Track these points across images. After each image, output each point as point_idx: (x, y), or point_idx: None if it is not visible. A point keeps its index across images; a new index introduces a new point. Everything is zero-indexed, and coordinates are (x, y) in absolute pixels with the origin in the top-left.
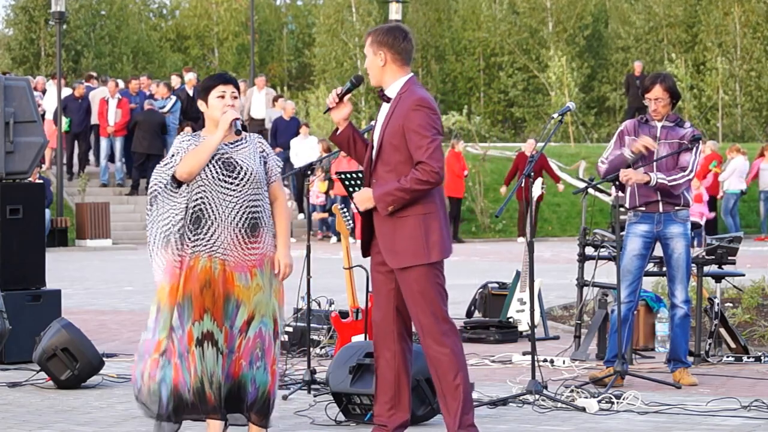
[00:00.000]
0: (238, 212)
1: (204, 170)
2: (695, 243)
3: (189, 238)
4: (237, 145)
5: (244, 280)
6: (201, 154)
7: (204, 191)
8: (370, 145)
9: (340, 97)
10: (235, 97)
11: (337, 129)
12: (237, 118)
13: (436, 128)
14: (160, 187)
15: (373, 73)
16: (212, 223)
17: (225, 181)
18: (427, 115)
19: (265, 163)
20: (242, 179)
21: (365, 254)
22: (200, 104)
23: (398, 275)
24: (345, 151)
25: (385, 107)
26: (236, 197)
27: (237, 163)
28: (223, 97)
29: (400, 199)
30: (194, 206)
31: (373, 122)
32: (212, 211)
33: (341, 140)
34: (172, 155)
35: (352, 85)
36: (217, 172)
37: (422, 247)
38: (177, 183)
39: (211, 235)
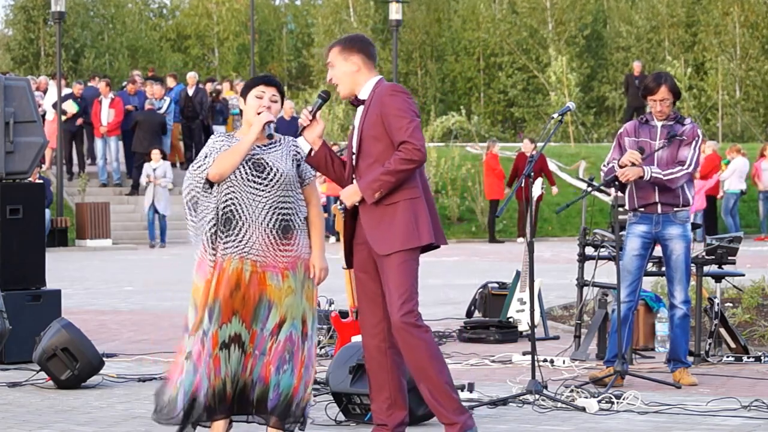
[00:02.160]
0: (267, 213)
1: (234, 170)
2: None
3: (221, 239)
4: (270, 148)
5: (275, 280)
6: (234, 155)
7: (233, 192)
8: (349, 152)
9: (313, 115)
10: (275, 101)
11: (311, 151)
12: (270, 121)
13: (414, 111)
14: (198, 191)
15: (346, 82)
16: (243, 224)
17: (254, 182)
18: (404, 100)
19: (298, 165)
20: (271, 180)
21: (349, 265)
22: (239, 102)
23: (382, 261)
24: (322, 173)
25: (360, 110)
26: (265, 197)
27: (267, 163)
28: (261, 98)
29: (387, 183)
30: (224, 207)
31: (341, 146)
32: (242, 212)
33: (318, 161)
34: (205, 156)
35: (322, 100)
36: (246, 173)
37: (413, 232)
38: (209, 184)
39: (243, 236)
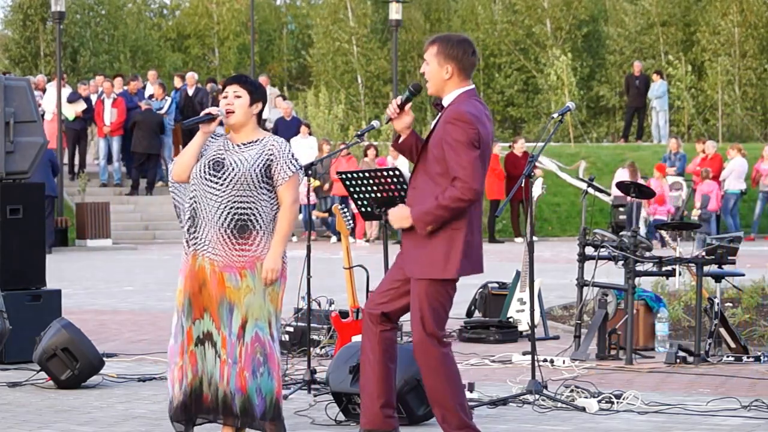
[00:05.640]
0: (222, 212)
1: (195, 170)
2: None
3: (190, 236)
4: (246, 147)
5: (234, 281)
6: (182, 156)
7: (195, 190)
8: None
9: (401, 107)
10: (237, 96)
11: (399, 137)
12: (209, 113)
13: (473, 143)
14: (172, 193)
15: (435, 83)
16: (201, 222)
17: (211, 181)
18: (464, 130)
19: (268, 166)
20: (225, 179)
21: None
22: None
23: (412, 283)
24: (408, 158)
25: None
26: (220, 196)
27: (226, 163)
28: (226, 97)
29: (440, 218)
30: (189, 205)
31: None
32: (201, 210)
33: (404, 148)
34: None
35: (410, 93)
36: (204, 172)
37: (440, 262)
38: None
39: (202, 234)
